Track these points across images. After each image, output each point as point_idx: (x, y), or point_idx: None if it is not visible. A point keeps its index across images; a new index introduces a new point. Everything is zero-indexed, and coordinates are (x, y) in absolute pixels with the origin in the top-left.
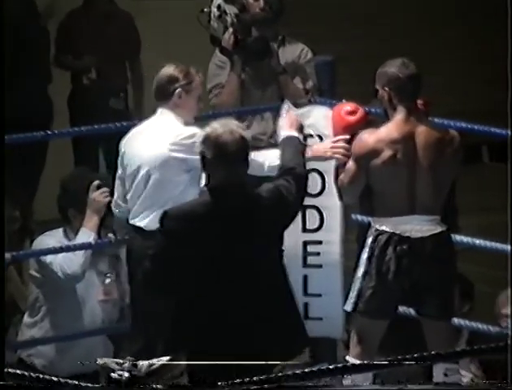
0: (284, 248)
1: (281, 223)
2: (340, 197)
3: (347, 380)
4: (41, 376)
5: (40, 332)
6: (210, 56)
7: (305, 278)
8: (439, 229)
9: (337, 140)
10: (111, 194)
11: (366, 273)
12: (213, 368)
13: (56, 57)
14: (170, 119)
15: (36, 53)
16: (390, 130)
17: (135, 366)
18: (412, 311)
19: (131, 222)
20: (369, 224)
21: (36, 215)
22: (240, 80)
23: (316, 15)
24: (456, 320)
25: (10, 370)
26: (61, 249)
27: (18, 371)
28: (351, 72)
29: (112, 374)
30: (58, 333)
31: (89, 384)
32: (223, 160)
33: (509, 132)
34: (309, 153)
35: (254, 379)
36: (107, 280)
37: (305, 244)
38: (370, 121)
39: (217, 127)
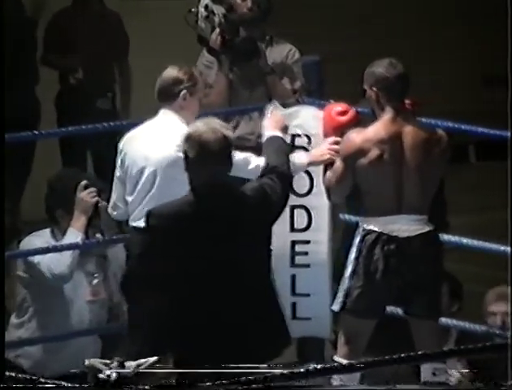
0: (272, 247)
1: (266, 222)
2: (329, 196)
3: (335, 380)
4: (28, 377)
5: (27, 333)
6: (197, 56)
7: (294, 277)
8: (426, 229)
9: (333, 142)
10: (99, 194)
11: (353, 273)
12: (199, 368)
13: (44, 56)
14: (174, 120)
15: (24, 52)
16: (377, 130)
17: (122, 366)
18: (400, 311)
19: (133, 224)
20: (357, 224)
21: (23, 215)
22: (227, 80)
23: (305, 15)
24: (444, 320)
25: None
26: (48, 250)
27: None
28: (346, 72)
29: (100, 375)
30: (45, 334)
31: (76, 385)
32: (206, 159)
33: (510, 132)
34: (306, 160)
35: (242, 379)
36: (95, 281)
37: (294, 243)
38: (360, 121)
39: (199, 125)
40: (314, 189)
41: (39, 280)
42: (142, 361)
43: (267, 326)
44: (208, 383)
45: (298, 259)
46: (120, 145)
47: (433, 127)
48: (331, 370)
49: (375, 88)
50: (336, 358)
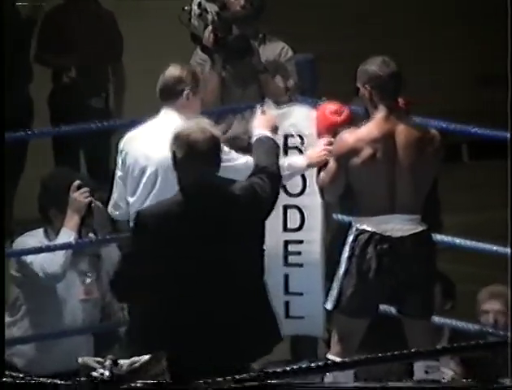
0: (265, 247)
1: (255, 221)
2: (322, 195)
3: (328, 378)
4: (21, 375)
5: (19, 331)
6: (190, 54)
7: (287, 277)
8: (419, 228)
9: (327, 143)
10: (92, 194)
11: (346, 272)
12: (192, 366)
13: (38, 54)
14: (176, 119)
15: (18, 51)
16: (370, 129)
17: (116, 364)
18: (393, 310)
19: None
20: (350, 224)
21: (16, 215)
22: (220, 78)
23: (299, 13)
24: (437, 318)
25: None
26: (41, 249)
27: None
28: (340, 71)
29: (93, 373)
30: (38, 332)
31: (70, 383)
32: (194, 159)
33: (510, 133)
34: (305, 162)
35: (236, 377)
36: (88, 280)
37: (287, 243)
38: (354, 119)
39: (188, 125)
40: (307, 189)
41: (32, 279)
42: (135, 359)
43: (258, 324)
44: (201, 381)
45: (291, 259)
46: (121, 145)
47: (426, 127)
48: (324, 368)
49: (368, 87)
50: (330, 356)
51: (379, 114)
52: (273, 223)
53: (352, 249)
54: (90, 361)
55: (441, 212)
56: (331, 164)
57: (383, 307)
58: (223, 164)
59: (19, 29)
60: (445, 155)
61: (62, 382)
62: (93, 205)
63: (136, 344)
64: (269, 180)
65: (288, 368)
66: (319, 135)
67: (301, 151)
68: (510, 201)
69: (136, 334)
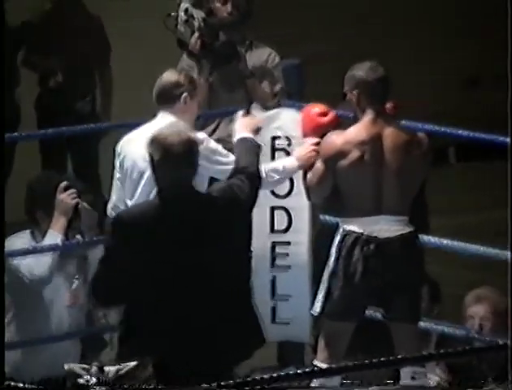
0: (252, 249)
1: (234, 222)
2: (308, 196)
3: (315, 383)
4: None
5: (6, 337)
6: (177, 60)
7: (274, 280)
8: (407, 230)
9: (314, 143)
10: (79, 196)
11: (333, 274)
12: (174, 371)
13: (25, 57)
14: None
15: (5, 54)
16: (358, 131)
17: (102, 371)
18: (379, 314)
19: None
20: (337, 225)
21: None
22: (207, 83)
23: (287, 18)
24: (424, 323)
25: None
26: (28, 251)
27: None
28: (327, 74)
29: (79, 380)
30: (24, 337)
31: None
32: (170, 161)
33: (510, 133)
34: (295, 162)
35: (221, 383)
36: (74, 284)
37: (274, 245)
38: (340, 123)
39: (164, 128)
40: (294, 190)
41: (18, 282)
42: (121, 365)
43: (238, 326)
44: (186, 388)
45: (279, 261)
46: (118, 148)
47: (414, 130)
48: (310, 374)
49: (355, 92)
50: (316, 363)
51: (367, 117)
52: (260, 225)
53: (339, 250)
54: (76, 367)
55: (428, 214)
56: (319, 165)
57: (369, 312)
58: (222, 167)
59: (5, 31)
60: (432, 157)
61: (48, 389)
62: (80, 206)
63: (121, 349)
64: (248, 181)
65: (274, 374)
66: (305, 136)
67: (288, 153)
68: (510, 201)
69: (122, 339)
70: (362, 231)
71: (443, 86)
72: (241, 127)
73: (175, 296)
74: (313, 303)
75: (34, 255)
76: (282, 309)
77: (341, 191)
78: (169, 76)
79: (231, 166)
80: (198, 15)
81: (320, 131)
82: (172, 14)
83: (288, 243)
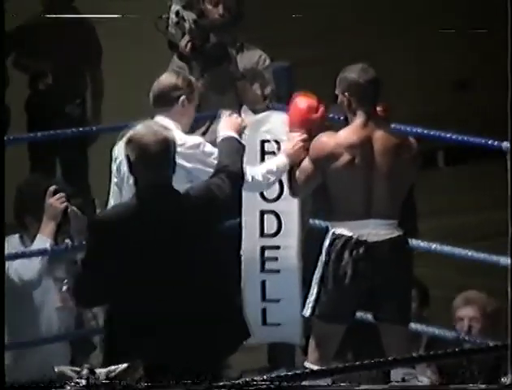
0: (241, 253)
1: (212, 222)
2: (292, 192)
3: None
4: None
5: None
6: (168, 62)
7: (264, 283)
8: (396, 233)
9: (302, 139)
10: (68, 200)
11: (323, 277)
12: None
13: (16, 59)
14: (170, 126)
15: None
16: (348, 134)
17: (93, 373)
18: (369, 316)
19: None
20: (326, 228)
21: None
22: (198, 85)
23: (279, 20)
24: (413, 325)
25: None
26: (17, 256)
27: None
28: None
29: (69, 382)
30: (13, 340)
31: None
32: (147, 161)
33: (510, 133)
34: (285, 158)
35: (213, 384)
36: (64, 288)
37: (263, 249)
38: (331, 125)
39: (140, 128)
40: (284, 194)
41: (7, 287)
42: (112, 368)
43: (222, 322)
44: (177, 389)
45: (268, 265)
46: (115, 152)
47: (404, 134)
48: (301, 376)
49: (347, 94)
50: (307, 365)
51: (358, 120)
52: (250, 229)
53: (328, 253)
54: (67, 370)
55: (417, 217)
56: (308, 165)
57: (360, 314)
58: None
59: None
60: (422, 161)
61: None
62: (69, 210)
63: (107, 351)
64: (229, 180)
65: (265, 376)
66: (291, 126)
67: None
68: (510, 202)
69: (107, 341)
70: (351, 234)
71: (434, 88)
72: (226, 126)
73: (154, 296)
74: (303, 306)
75: (23, 260)
76: (272, 312)
77: (331, 194)
78: (167, 79)
79: None
80: (189, 16)
81: (308, 125)
82: (163, 16)
83: (278, 247)
